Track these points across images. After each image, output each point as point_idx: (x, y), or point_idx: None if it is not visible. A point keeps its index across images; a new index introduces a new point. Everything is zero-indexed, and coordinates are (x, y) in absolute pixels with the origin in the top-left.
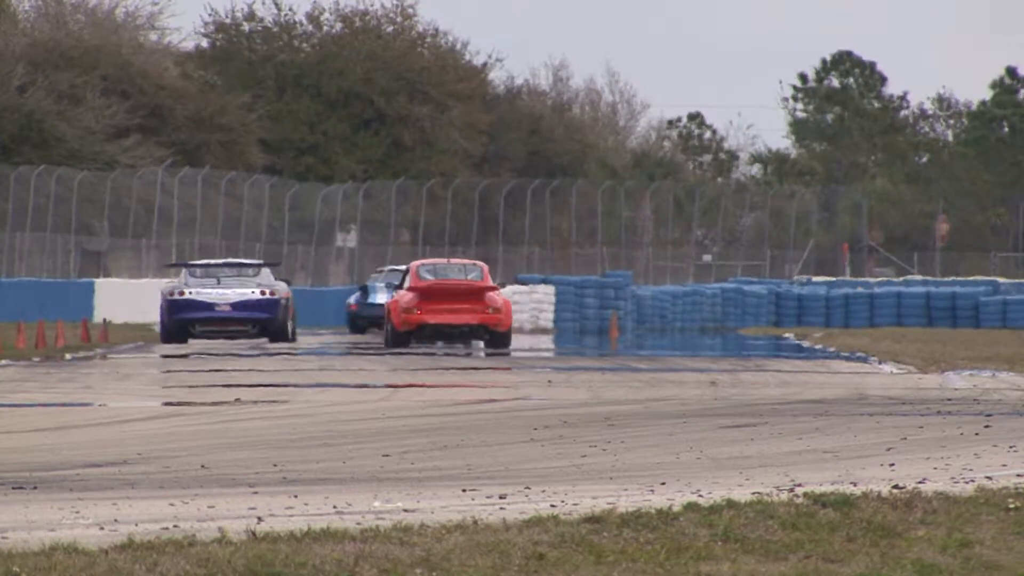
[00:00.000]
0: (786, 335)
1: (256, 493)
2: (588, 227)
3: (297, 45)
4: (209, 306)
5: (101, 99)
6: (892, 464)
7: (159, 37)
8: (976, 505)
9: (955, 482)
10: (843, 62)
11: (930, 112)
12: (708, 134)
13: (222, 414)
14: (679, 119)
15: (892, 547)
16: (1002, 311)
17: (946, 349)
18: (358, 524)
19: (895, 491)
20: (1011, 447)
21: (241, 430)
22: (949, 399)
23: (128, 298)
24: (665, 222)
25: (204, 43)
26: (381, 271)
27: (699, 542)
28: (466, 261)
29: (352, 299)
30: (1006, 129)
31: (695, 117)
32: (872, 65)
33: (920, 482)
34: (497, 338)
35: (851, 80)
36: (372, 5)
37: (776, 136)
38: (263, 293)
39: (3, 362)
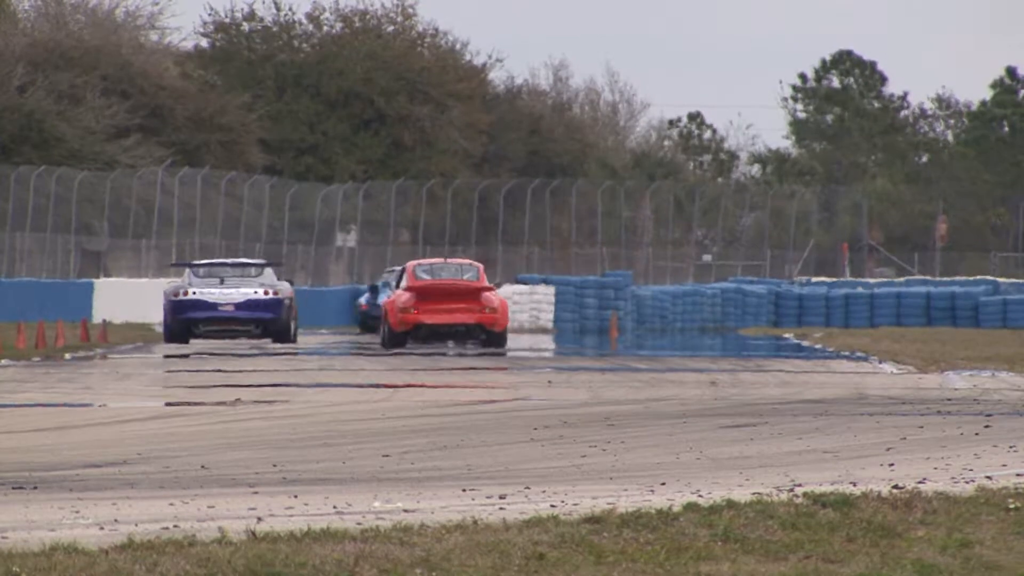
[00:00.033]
0: (786, 335)
1: (256, 493)
2: (588, 227)
3: (297, 45)
4: (213, 306)
5: (101, 99)
6: (892, 464)
7: (159, 37)
8: (976, 505)
9: (955, 482)
10: (843, 62)
11: (930, 112)
12: (708, 134)
13: (222, 414)
14: (679, 119)
15: (892, 547)
16: (1002, 311)
17: (946, 349)
18: (358, 524)
19: (895, 491)
20: (1011, 447)
21: (241, 430)
22: (949, 399)
23: (128, 298)
24: (665, 222)
25: (204, 43)
26: (392, 271)
27: (699, 542)
28: (462, 261)
29: (363, 299)
30: (1006, 129)
31: (695, 117)
32: (872, 65)
33: (920, 482)
34: (493, 338)
35: (851, 80)
36: (372, 5)
37: (776, 136)
38: (266, 293)
39: (3, 362)
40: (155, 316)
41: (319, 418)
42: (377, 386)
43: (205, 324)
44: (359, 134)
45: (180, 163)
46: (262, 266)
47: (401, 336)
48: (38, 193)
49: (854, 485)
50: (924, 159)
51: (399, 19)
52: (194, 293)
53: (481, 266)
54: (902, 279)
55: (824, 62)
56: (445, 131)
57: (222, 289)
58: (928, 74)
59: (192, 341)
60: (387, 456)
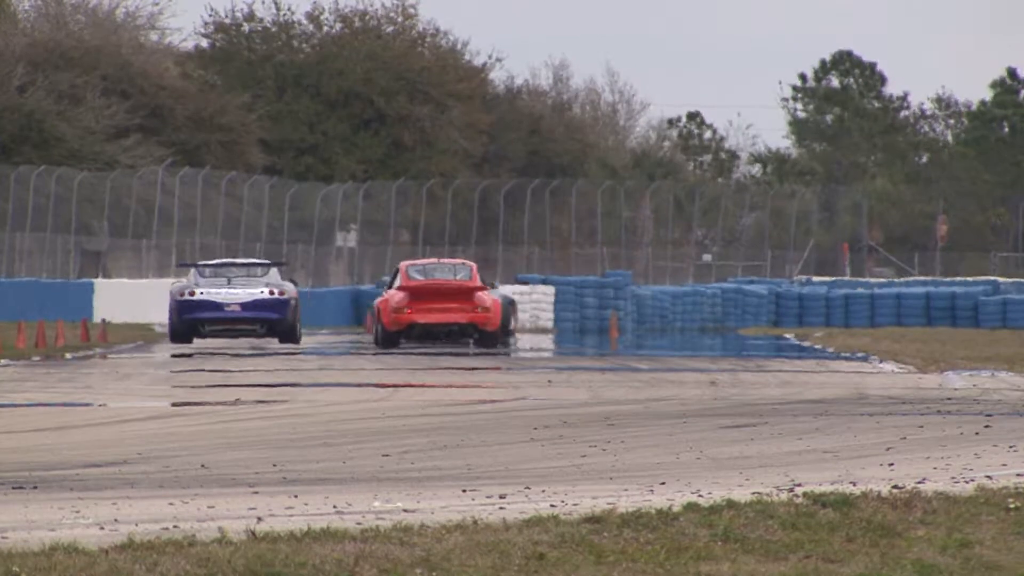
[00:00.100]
0: (786, 335)
1: (256, 493)
2: (588, 227)
3: (297, 45)
4: (219, 306)
5: (101, 99)
6: (892, 464)
7: (159, 37)
8: (976, 505)
9: (955, 482)
10: (843, 62)
11: (930, 112)
12: (708, 134)
13: (222, 414)
14: (679, 119)
15: (892, 547)
16: (1002, 311)
17: (946, 349)
18: (358, 524)
19: (895, 491)
20: (1011, 447)
21: (241, 430)
22: (949, 399)
23: (127, 298)
24: (665, 222)
25: (204, 43)
26: None
27: (699, 542)
28: (455, 261)
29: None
30: (1006, 129)
31: (695, 117)
32: (872, 65)
33: (920, 482)
34: (486, 337)
35: (851, 80)
36: (372, 5)
37: (776, 136)
38: (272, 293)
39: (3, 362)
40: (155, 316)
41: (319, 418)
42: (377, 386)
43: (211, 324)
44: (359, 134)
45: (180, 163)
46: (268, 266)
47: (394, 335)
48: (38, 193)
49: (854, 485)
50: (924, 159)
51: (399, 19)
52: (201, 293)
53: (474, 266)
54: (902, 279)
55: (824, 62)
56: (445, 131)
57: (228, 289)
58: (928, 74)
59: (196, 341)
60: (387, 456)
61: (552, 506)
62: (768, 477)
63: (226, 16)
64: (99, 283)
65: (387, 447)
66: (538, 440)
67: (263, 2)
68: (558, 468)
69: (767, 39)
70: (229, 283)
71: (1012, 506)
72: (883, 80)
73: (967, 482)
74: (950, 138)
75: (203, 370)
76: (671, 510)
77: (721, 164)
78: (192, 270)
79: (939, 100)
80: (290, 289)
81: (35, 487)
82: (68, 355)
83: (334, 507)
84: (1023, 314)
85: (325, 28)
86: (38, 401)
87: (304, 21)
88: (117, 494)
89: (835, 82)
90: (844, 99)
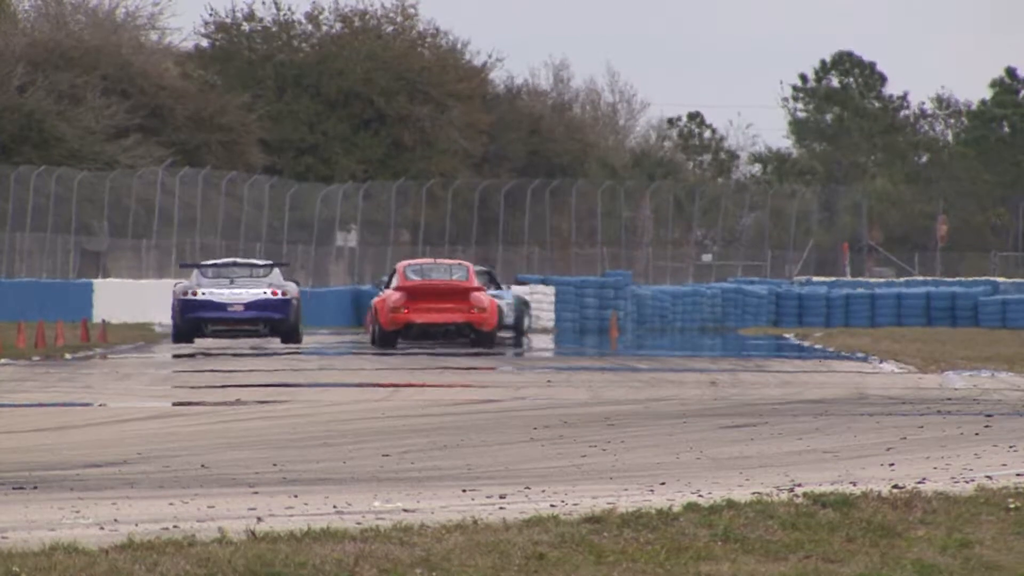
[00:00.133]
0: (786, 335)
1: (256, 493)
2: (588, 227)
3: (297, 45)
4: (222, 306)
5: (101, 99)
6: (892, 464)
7: (159, 37)
8: (976, 505)
9: (955, 482)
10: (843, 62)
11: (930, 112)
12: (708, 134)
13: (222, 414)
14: (679, 118)
15: (892, 547)
16: (1002, 311)
17: (946, 349)
18: (358, 524)
19: (895, 491)
20: (1011, 447)
21: (241, 430)
22: (949, 399)
23: (127, 298)
24: (665, 222)
25: (204, 43)
26: None
27: (699, 542)
28: (452, 261)
29: None
30: (1006, 129)
31: (695, 117)
32: (872, 65)
33: (920, 482)
34: (482, 337)
35: (851, 80)
36: (372, 5)
37: (776, 136)
38: (275, 293)
39: (3, 362)
40: (155, 316)
41: (319, 418)
42: (377, 386)
43: (215, 324)
44: (359, 134)
45: (180, 163)
46: (270, 267)
47: (391, 335)
48: (38, 193)
49: (854, 485)
50: (924, 159)
51: (399, 19)
52: (204, 293)
53: (471, 266)
54: (902, 279)
55: (824, 62)
56: (445, 131)
57: (231, 289)
58: (928, 74)
59: (197, 340)
60: (387, 456)
61: (552, 506)
62: (768, 477)
63: (226, 16)
64: (99, 283)
65: (387, 447)
66: (538, 440)
67: (263, 2)
68: (558, 468)
69: (767, 39)
70: (232, 283)
71: (1012, 506)
72: (883, 80)
73: (967, 482)
74: (950, 138)
75: (203, 370)
76: (671, 510)
77: (721, 164)
78: (195, 270)
79: (939, 100)
80: (292, 289)
81: (35, 487)
82: (68, 355)
83: (334, 507)
84: (1023, 314)
85: (325, 28)
86: (38, 401)
87: (304, 21)
88: (117, 494)
89: (835, 82)
90: (844, 99)
